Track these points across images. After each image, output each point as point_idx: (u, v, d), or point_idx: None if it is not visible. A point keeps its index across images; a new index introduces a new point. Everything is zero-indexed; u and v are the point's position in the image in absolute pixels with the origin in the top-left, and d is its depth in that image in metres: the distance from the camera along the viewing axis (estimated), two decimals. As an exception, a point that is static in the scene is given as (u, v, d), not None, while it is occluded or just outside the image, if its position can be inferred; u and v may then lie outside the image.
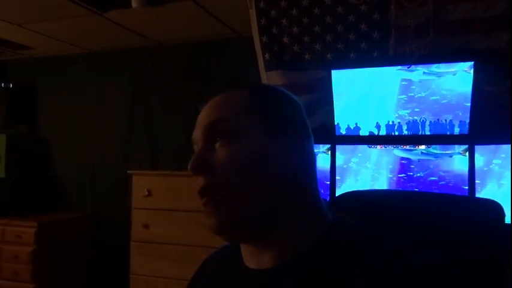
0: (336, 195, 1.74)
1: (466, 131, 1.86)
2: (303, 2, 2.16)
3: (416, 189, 1.87)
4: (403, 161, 1.92)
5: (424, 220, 0.68)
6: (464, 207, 0.70)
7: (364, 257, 0.56)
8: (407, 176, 1.91)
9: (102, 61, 3.51)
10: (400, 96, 1.97)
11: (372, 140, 2.00)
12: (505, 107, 1.83)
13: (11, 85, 3.59)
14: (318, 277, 0.58)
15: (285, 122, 0.65)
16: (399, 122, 1.97)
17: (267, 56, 2.23)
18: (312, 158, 0.67)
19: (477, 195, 1.79)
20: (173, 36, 3.10)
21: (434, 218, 0.68)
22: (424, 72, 1.92)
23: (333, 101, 2.04)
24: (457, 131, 1.88)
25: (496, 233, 0.64)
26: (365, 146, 2.00)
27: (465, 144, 1.84)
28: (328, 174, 2.03)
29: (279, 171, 0.62)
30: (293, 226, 0.62)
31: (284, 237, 0.62)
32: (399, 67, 1.95)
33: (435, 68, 1.91)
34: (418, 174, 1.89)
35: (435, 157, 1.88)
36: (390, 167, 1.94)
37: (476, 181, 1.81)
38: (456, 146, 1.86)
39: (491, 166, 1.81)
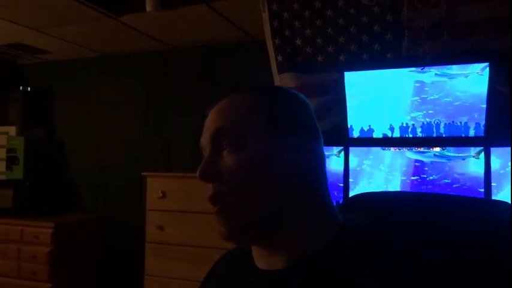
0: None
1: (481, 132, 1.84)
2: (316, 4, 2.16)
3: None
4: (416, 163, 1.91)
5: (436, 221, 0.68)
6: (477, 209, 0.70)
7: (373, 258, 0.56)
8: (421, 178, 1.89)
9: (117, 64, 3.55)
10: (413, 98, 1.95)
11: (385, 142, 1.99)
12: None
13: (29, 88, 3.66)
14: (326, 278, 0.58)
15: (293, 122, 0.65)
16: (413, 124, 1.96)
17: (279, 58, 2.23)
18: (321, 159, 0.66)
19: (493, 198, 1.76)
20: (186, 39, 3.13)
21: (446, 219, 0.68)
22: (436, 74, 1.90)
23: (346, 103, 2.03)
24: (472, 133, 1.86)
25: (508, 235, 0.64)
26: (378, 148, 1.99)
27: (481, 146, 1.82)
28: (340, 176, 2.02)
29: (286, 172, 0.62)
30: (301, 227, 0.62)
31: (292, 238, 0.62)
32: (411, 69, 1.94)
33: (447, 69, 1.89)
34: (431, 177, 1.87)
35: (448, 159, 1.86)
36: (404, 169, 1.92)
37: (493, 184, 1.78)
38: (470, 148, 1.84)
39: (507, 169, 1.79)
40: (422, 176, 1.89)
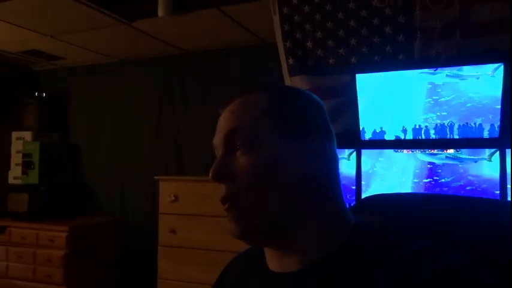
0: (362, 199, 1.72)
1: (496, 134, 1.81)
2: (327, 7, 2.16)
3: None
4: (429, 165, 1.88)
5: (449, 223, 0.67)
6: (490, 210, 0.68)
7: (387, 260, 0.56)
8: (434, 180, 1.87)
9: (130, 69, 3.59)
10: (426, 100, 1.93)
11: (398, 144, 1.97)
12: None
13: (44, 94, 3.72)
14: (340, 280, 0.58)
15: (306, 124, 0.64)
16: (426, 126, 1.94)
17: (290, 61, 2.23)
18: (334, 161, 0.66)
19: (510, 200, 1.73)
20: (198, 43, 3.15)
21: (459, 220, 0.67)
22: (447, 75, 1.88)
23: (357, 105, 2.02)
24: (486, 134, 1.83)
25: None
26: (391, 151, 1.97)
27: (496, 147, 1.79)
28: (350, 179, 2.01)
29: (299, 174, 0.62)
30: (314, 229, 0.62)
31: (305, 240, 0.62)
32: (423, 70, 1.92)
33: (458, 70, 1.87)
34: (443, 180, 1.84)
35: (460, 161, 1.84)
36: (416, 171, 1.90)
37: (508, 186, 1.75)
38: (484, 150, 1.81)
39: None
40: (435, 178, 1.86)
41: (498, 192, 1.75)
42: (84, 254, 3.13)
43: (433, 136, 1.93)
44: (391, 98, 1.99)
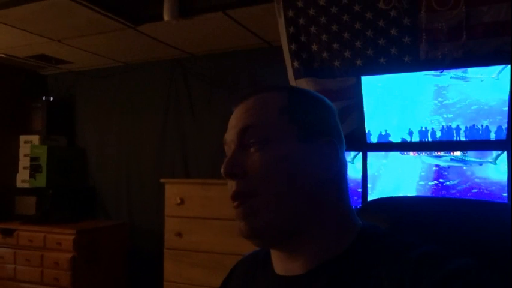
0: (368, 202, 1.71)
1: (503, 136, 1.80)
2: (332, 9, 2.16)
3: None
4: (434, 168, 1.87)
5: (455, 226, 0.66)
6: (497, 213, 0.68)
7: (393, 264, 0.56)
8: (440, 183, 1.86)
9: (137, 73, 3.61)
10: (431, 102, 1.92)
11: (403, 146, 1.96)
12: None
13: (51, 98, 3.75)
14: (345, 284, 0.57)
15: (321, 126, 0.65)
16: (432, 128, 1.93)
17: (296, 64, 2.23)
18: (344, 164, 0.66)
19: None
20: (204, 47, 3.16)
21: (466, 224, 0.66)
22: (451, 77, 1.87)
23: (363, 107, 2.02)
24: (493, 136, 1.82)
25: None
26: (397, 153, 1.96)
27: (503, 149, 1.78)
28: (355, 182, 2.00)
29: (312, 176, 0.62)
30: (323, 233, 0.62)
31: (313, 243, 0.62)
32: (428, 72, 1.91)
33: (462, 72, 1.86)
34: (449, 182, 1.83)
35: (465, 164, 1.82)
36: (422, 174, 1.89)
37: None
38: (487, 154, 1.79)
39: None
40: (440, 180, 1.85)
41: (505, 194, 1.73)
42: (91, 257, 3.15)
43: (439, 138, 1.92)
44: (397, 100, 1.99)
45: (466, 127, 1.87)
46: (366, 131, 2.02)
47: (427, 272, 0.52)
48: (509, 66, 1.80)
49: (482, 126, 1.85)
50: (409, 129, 1.97)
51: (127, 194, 3.58)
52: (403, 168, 1.94)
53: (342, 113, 2.07)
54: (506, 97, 1.79)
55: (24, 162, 3.56)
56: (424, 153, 1.91)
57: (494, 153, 1.80)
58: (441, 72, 1.90)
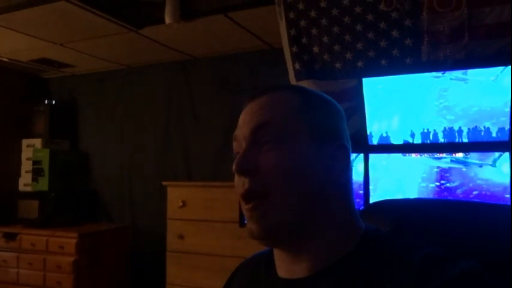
0: (370, 204, 1.71)
1: (505, 137, 1.79)
2: (333, 11, 2.15)
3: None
4: (436, 169, 1.87)
5: (457, 228, 0.66)
6: (499, 215, 0.67)
7: (396, 267, 0.55)
8: (442, 184, 1.85)
9: (139, 76, 3.62)
10: (433, 103, 1.92)
11: (406, 148, 1.96)
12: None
13: (54, 102, 3.76)
14: (350, 286, 0.57)
15: (333, 131, 0.65)
16: (434, 130, 1.92)
17: (297, 65, 2.23)
18: (351, 167, 0.67)
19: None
20: (206, 49, 3.17)
21: (468, 226, 0.66)
22: (451, 79, 1.87)
23: (364, 109, 2.01)
24: (494, 137, 1.81)
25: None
26: (399, 155, 1.96)
27: (505, 151, 1.77)
28: (357, 183, 1.99)
29: (323, 177, 0.62)
30: (330, 235, 0.62)
31: (320, 246, 0.61)
32: (429, 74, 1.90)
33: (462, 73, 1.85)
34: (449, 184, 1.82)
35: (465, 165, 1.82)
36: (424, 175, 1.88)
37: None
38: (487, 156, 1.78)
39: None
40: (442, 182, 1.85)
41: (508, 196, 1.72)
42: (94, 260, 3.15)
43: (441, 140, 1.91)
44: (399, 102, 1.98)
45: (469, 129, 1.86)
46: (368, 133, 2.02)
47: (431, 275, 0.52)
48: (508, 68, 1.79)
49: (484, 127, 1.84)
50: (411, 130, 1.96)
51: (129, 197, 3.58)
52: (404, 170, 1.94)
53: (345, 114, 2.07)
54: (506, 99, 1.78)
55: (26, 165, 3.57)
56: (426, 155, 1.90)
57: (496, 155, 1.79)
58: (443, 73, 1.89)
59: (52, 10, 2.39)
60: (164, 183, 2.93)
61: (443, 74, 1.89)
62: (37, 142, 3.60)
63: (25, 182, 3.55)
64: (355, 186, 1.97)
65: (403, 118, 1.98)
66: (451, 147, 1.87)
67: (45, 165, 3.40)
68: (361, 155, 2.00)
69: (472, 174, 1.81)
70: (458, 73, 1.85)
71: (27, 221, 3.39)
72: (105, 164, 3.73)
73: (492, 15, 1.87)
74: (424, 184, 1.88)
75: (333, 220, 0.62)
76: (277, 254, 0.66)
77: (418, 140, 1.95)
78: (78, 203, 3.61)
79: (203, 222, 2.70)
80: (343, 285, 0.58)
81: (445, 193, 1.84)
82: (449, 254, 0.56)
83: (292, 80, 2.25)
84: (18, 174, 3.60)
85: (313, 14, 2.20)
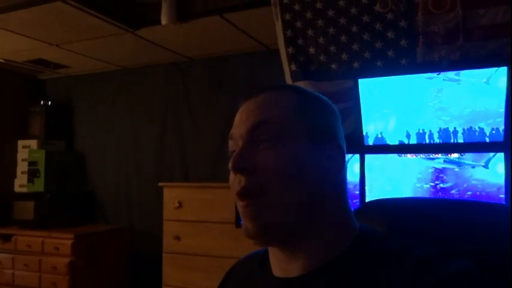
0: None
1: (498, 138, 1.80)
2: (328, 13, 2.16)
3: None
4: (430, 169, 1.88)
5: (452, 228, 0.66)
6: (495, 214, 0.68)
7: (391, 267, 0.56)
8: (437, 185, 1.86)
9: (135, 77, 3.62)
10: (428, 104, 1.93)
11: (402, 149, 1.96)
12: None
13: (50, 102, 3.75)
14: (344, 286, 0.57)
15: (330, 131, 0.66)
16: (430, 130, 1.93)
17: (293, 66, 2.23)
18: (346, 167, 0.67)
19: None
20: (202, 50, 3.17)
21: (463, 225, 0.66)
22: (443, 79, 1.87)
23: (360, 110, 2.02)
24: (488, 138, 1.82)
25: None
26: (395, 155, 1.96)
27: (500, 151, 1.78)
28: (352, 184, 2.00)
29: (319, 177, 0.62)
30: (326, 234, 0.62)
31: (315, 245, 0.62)
32: (423, 74, 1.91)
33: (455, 74, 1.86)
34: (442, 185, 1.83)
35: (458, 165, 1.83)
36: (419, 176, 1.89)
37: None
38: (481, 157, 1.79)
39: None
40: (436, 182, 1.85)
41: (503, 196, 1.73)
42: (90, 261, 3.14)
43: (437, 140, 1.92)
44: (394, 103, 1.99)
45: (463, 129, 1.87)
46: (364, 134, 2.02)
47: (426, 275, 0.52)
48: (501, 69, 1.80)
49: (479, 128, 1.85)
50: (407, 131, 1.97)
51: (126, 198, 3.57)
52: (399, 170, 1.94)
53: (340, 115, 2.07)
54: (499, 100, 1.80)
55: (22, 167, 3.56)
56: (422, 155, 1.91)
57: (490, 155, 1.80)
58: (438, 74, 1.90)
59: (48, 11, 2.38)
60: (160, 184, 2.93)
61: (438, 75, 1.90)
62: (33, 143, 3.58)
63: (21, 183, 3.53)
64: (350, 187, 1.98)
65: (399, 119, 1.99)
66: (446, 147, 1.88)
67: (41, 166, 3.39)
68: (357, 156, 2.00)
69: (469, 174, 1.82)
70: (451, 74, 1.86)
71: (23, 222, 3.37)
72: (101, 165, 3.72)
73: (487, 16, 1.89)
74: (419, 184, 1.88)
75: (329, 220, 0.63)
76: (273, 253, 0.66)
77: (413, 141, 1.96)
78: (74, 204, 3.59)
79: (200, 223, 2.70)
80: (338, 284, 0.58)
81: (440, 193, 1.85)
82: (443, 254, 0.56)
83: (288, 81, 2.25)
84: (14, 175, 3.59)
85: (309, 15, 2.20)
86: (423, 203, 0.82)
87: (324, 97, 0.70)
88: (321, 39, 2.19)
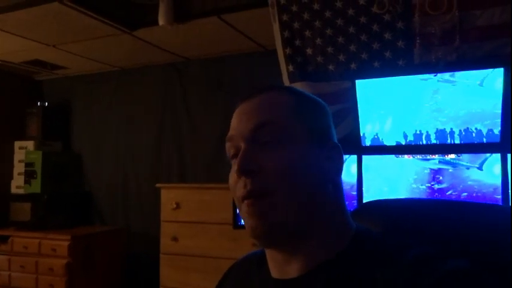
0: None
1: (493, 139, 1.80)
2: (326, 14, 2.17)
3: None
4: (426, 170, 1.88)
5: (449, 228, 0.66)
6: (491, 215, 0.68)
7: (388, 266, 0.56)
8: (432, 185, 1.86)
9: (132, 78, 3.61)
10: (424, 105, 1.93)
11: (399, 149, 1.97)
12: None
13: (47, 103, 3.74)
14: (341, 286, 0.58)
15: (327, 131, 0.66)
16: (427, 131, 1.93)
17: (290, 67, 2.24)
18: (342, 168, 0.68)
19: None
20: (199, 51, 3.17)
21: (459, 226, 0.66)
22: (438, 80, 1.88)
23: (357, 111, 2.02)
24: (484, 139, 1.82)
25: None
26: (392, 156, 1.97)
27: (497, 152, 1.78)
28: (349, 184, 2.00)
29: (322, 180, 0.63)
30: (325, 235, 0.62)
31: (314, 245, 0.62)
32: (420, 76, 1.92)
33: (450, 76, 1.87)
34: (437, 186, 1.83)
35: (453, 166, 1.83)
36: (415, 177, 1.89)
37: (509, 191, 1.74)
38: (476, 158, 1.79)
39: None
40: (432, 183, 1.86)
41: (499, 197, 1.74)
42: (87, 262, 3.13)
43: (434, 141, 1.92)
44: (390, 104, 1.99)
45: (460, 130, 1.88)
46: (361, 134, 2.03)
47: (423, 274, 0.53)
48: (496, 71, 1.80)
49: (476, 129, 1.85)
50: (404, 132, 1.97)
51: (123, 199, 3.57)
52: (396, 171, 1.94)
53: (337, 116, 2.07)
54: (495, 101, 1.80)
55: (19, 168, 3.55)
56: (418, 156, 1.91)
57: (485, 156, 1.80)
58: (435, 75, 1.91)
59: (45, 11, 2.38)
60: (158, 185, 2.92)
61: (434, 76, 1.90)
62: (29, 144, 3.57)
63: (17, 184, 3.52)
64: (348, 187, 1.98)
65: (396, 120, 1.99)
66: (443, 148, 1.89)
67: (38, 167, 3.38)
68: (354, 156, 2.01)
69: (465, 175, 1.82)
70: (446, 75, 1.87)
71: (20, 223, 3.36)
72: (98, 165, 3.71)
73: (483, 17, 1.89)
74: (415, 185, 1.89)
75: (329, 220, 0.63)
76: (270, 255, 0.66)
77: (410, 142, 1.96)
78: (71, 205, 3.58)
79: (197, 224, 2.70)
80: (336, 284, 0.58)
81: (437, 194, 1.85)
82: (440, 254, 0.56)
83: (286, 82, 2.25)
84: (11, 177, 3.58)
85: (306, 16, 2.21)
86: (420, 204, 0.82)
87: (318, 98, 0.70)
88: (318, 40, 2.19)
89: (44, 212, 3.36)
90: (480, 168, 1.78)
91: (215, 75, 3.28)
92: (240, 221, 2.12)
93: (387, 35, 2.06)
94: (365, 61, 2.09)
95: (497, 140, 1.80)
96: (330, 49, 2.17)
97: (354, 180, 1.98)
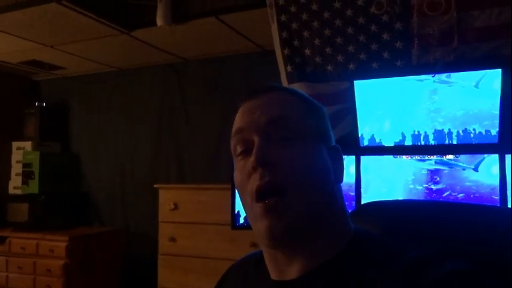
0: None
1: (491, 140, 1.81)
2: (324, 14, 2.17)
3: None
4: (423, 171, 1.88)
5: (447, 230, 0.66)
6: (490, 216, 0.68)
7: (387, 268, 0.56)
8: (431, 186, 1.86)
9: (130, 78, 3.61)
10: (422, 106, 1.93)
11: (397, 150, 1.97)
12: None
13: (44, 104, 3.73)
14: (341, 287, 0.57)
15: (327, 132, 0.67)
16: (425, 132, 1.94)
17: (289, 68, 2.24)
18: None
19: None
20: (197, 51, 3.17)
21: (458, 227, 0.66)
22: (434, 81, 1.88)
23: (356, 111, 2.02)
24: (483, 140, 1.83)
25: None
26: (390, 157, 1.97)
27: (495, 153, 1.79)
28: (348, 185, 2.00)
29: (329, 180, 0.63)
30: (328, 235, 0.62)
31: (314, 246, 0.61)
32: (417, 76, 1.92)
33: (446, 77, 1.87)
34: (434, 186, 1.83)
35: (450, 167, 1.83)
36: (413, 177, 1.89)
37: (508, 192, 1.74)
38: (473, 159, 1.80)
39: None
40: (429, 183, 1.86)
41: (497, 198, 1.74)
42: (85, 263, 3.12)
43: (432, 142, 1.92)
44: (388, 105, 1.99)
45: (458, 131, 1.88)
46: (360, 135, 2.03)
47: (421, 276, 0.53)
48: (492, 72, 1.81)
49: (474, 130, 1.85)
50: (402, 132, 1.97)
51: (121, 200, 3.56)
52: (394, 171, 1.94)
53: (336, 116, 2.07)
54: (492, 102, 1.80)
55: (16, 168, 3.54)
56: (416, 157, 1.91)
57: (484, 157, 1.80)
58: (433, 76, 1.91)
59: (43, 12, 2.37)
60: (156, 185, 2.92)
61: (432, 76, 1.91)
62: (27, 145, 3.56)
63: (15, 185, 3.51)
64: (346, 188, 1.98)
65: (394, 120, 1.99)
66: (442, 149, 1.89)
67: (36, 168, 3.37)
68: (352, 157, 2.00)
69: (464, 176, 1.82)
70: (442, 76, 1.87)
71: (17, 224, 3.35)
72: (96, 166, 3.71)
73: (481, 18, 1.90)
74: (413, 186, 1.89)
75: (332, 220, 0.63)
76: (272, 256, 0.65)
77: (409, 142, 1.97)
78: (69, 205, 3.58)
79: (195, 225, 2.69)
80: (335, 285, 0.58)
81: (435, 195, 1.85)
82: (438, 255, 0.56)
83: (284, 82, 2.26)
84: (8, 177, 3.57)
85: (304, 16, 2.21)
86: (419, 205, 0.82)
87: (315, 100, 0.71)
88: (316, 41, 2.19)
89: (42, 213, 3.35)
90: (476, 169, 1.78)
91: (213, 76, 3.28)
92: (238, 222, 2.12)
93: (385, 36, 2.06)
94: (363, 62, 2.10)
95: (495, 140, 1.80)
96: (328, 50, 2.17)
97: (352, 180, 1.98)
